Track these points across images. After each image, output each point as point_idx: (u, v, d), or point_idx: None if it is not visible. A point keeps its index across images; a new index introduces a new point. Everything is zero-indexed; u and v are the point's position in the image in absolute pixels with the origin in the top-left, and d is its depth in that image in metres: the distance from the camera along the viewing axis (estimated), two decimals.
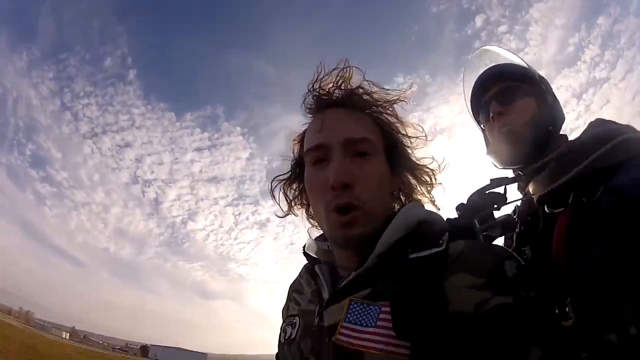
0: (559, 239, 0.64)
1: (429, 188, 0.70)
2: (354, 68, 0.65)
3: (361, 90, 0.65)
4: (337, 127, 0.62)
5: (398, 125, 0.66)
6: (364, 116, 0.64)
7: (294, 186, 0.74)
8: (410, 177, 0.69)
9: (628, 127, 0.75)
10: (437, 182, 0.70)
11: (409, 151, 0.67)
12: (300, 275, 0.75)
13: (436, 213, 0.67)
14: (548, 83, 0.91)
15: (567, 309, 0.57)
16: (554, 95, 0.90)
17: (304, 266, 0.75)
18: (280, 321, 0.76)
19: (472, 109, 1.00)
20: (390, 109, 0.66)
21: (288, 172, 0.74)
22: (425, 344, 0.47)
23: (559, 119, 0.88)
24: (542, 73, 0.92)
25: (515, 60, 0.93)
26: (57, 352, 20.29)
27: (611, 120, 0.81)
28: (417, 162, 0.68)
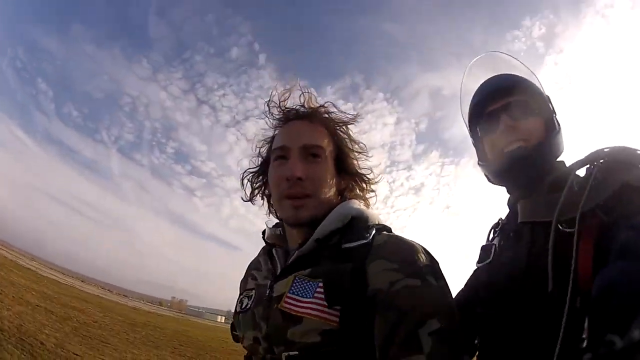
0: (587, 264, 0.61)
1: (365, 192, 0.88)
2: (312, 92, 0.85)
3: (322, 109, 0.84)
4: (298, 134, 0.80)
5: (348, 140, 0.85)
6: (321, 128, 0.82)
7: (260, 178, 0.91)
8: (352, 181, 0.86)
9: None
10: (370, 189, 0.88)
11: (354, 161, 0.85)
12: (259, 255, 0.90)
13: (369, 211, 0.81)
14: (554, 106, 0.87)
15: (584, 333, 0.56)
16: (559, 122, 0.85)
17: (262, 248, 0.90)
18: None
19: (470, 117, 0.93)
20: (344, 127, 0.84)
21: (257, 166, 0.90)
22: (350, 311, 0.63)
23: (561, 150, 0.83)
24: None
25: (524, 71, 0.89)
26: (209, 335, 19.41)
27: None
28: (358, 170, 0.86)
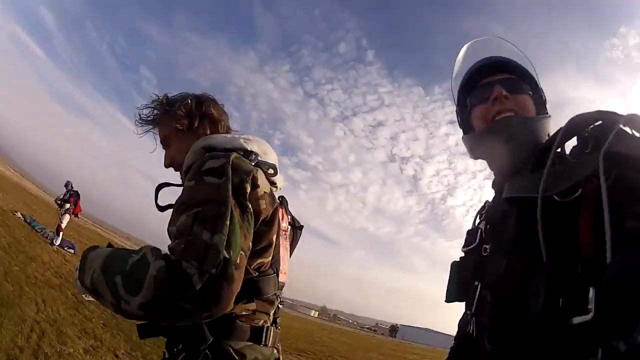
0: (586, 231, 0.57)
1: (208, 127, 1.11)
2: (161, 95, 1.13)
3: (160, 109, 1.11)
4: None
5: (174, 109, 1.08)
6: (164, 119, 1.10)
7: None
8: (201, 126, 1.10)
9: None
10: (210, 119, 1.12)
11: (182, 117, 1.07)
12: None
13: (219, 138, 1.00)
14: (546, 98, 0.89)
15: (589, 301, 0.52)
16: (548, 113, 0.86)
17: None
18: None
19: (462, 87, 0.93)
20: (170, 107, 1.10)
21: None
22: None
23: (549, 133, 0.80)
24: None
25: (524, 60, 0.90)
26: (297, 326, 20.20)
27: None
28: (188, 121, 1.09)
